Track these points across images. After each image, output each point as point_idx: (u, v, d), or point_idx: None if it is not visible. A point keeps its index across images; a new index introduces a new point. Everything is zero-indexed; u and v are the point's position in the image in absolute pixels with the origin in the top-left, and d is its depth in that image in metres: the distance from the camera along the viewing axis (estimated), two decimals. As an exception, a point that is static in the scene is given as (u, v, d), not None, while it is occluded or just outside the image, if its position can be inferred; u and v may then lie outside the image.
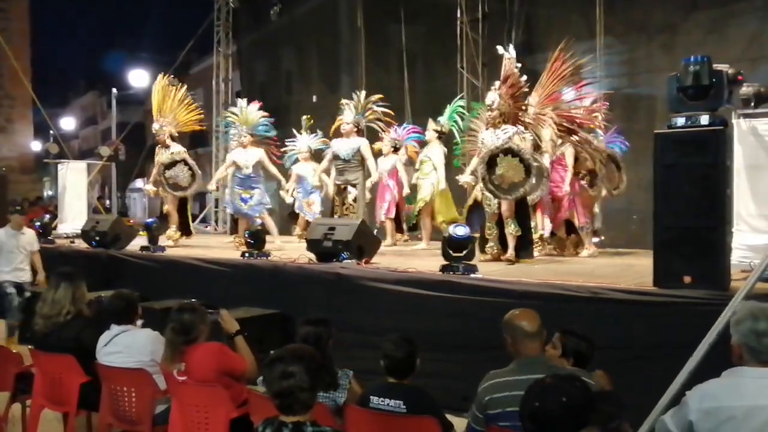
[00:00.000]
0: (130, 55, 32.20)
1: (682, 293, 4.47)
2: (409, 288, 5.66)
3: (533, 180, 6.49)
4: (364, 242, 6.73)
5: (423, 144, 9.08)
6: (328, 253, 6.64)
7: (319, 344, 3.43)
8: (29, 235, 7.80)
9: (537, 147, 7.01)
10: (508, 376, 3.02)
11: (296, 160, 10.13)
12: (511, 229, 6.71)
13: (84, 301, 4.53)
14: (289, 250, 8.02)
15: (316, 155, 9.92)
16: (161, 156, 9.28)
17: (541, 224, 7.81)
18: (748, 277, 3.81)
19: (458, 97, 9.39)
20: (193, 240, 9.78)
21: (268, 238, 8.00)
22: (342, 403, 3.47)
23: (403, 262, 6.60)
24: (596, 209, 7.84)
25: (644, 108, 9.32)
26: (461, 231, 5.87)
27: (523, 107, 6.77)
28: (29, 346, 4.71)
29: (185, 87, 9.82)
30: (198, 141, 19.36)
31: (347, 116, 8.64)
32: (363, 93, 8.98)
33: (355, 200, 8.55)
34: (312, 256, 6.83)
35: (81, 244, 9.31)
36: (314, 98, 13.00)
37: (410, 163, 9.24)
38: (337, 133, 8.93)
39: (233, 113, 9.68)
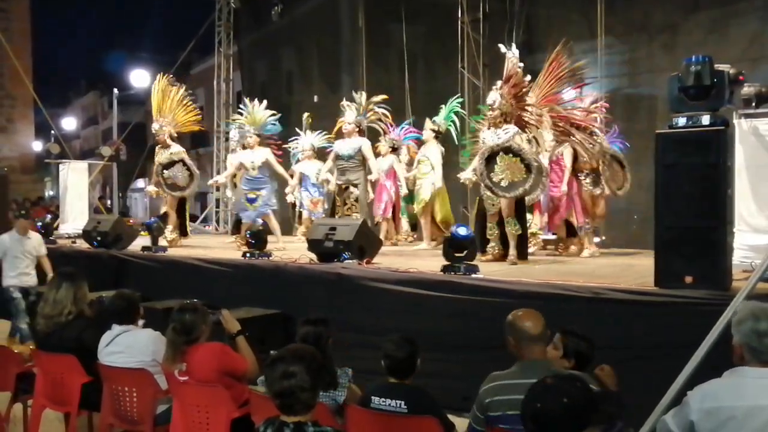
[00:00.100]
0: (131, 55, 32.21)
1: (683, 293, 4.46)
2: (410, 288, 5.65)
3: (533, 179, 6.49)
4: (366, 242, 6.73)
5: (421, 143, 9.09)
6: (329, 253, 6.65)
7: (319, 344, 3.43)
8: (35, 240, 7.71)
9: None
10: (511, 379, 2.98)
11: (299, 159, 10.14)
12: (512, 228, 6.70)
13: (85, 301, 4.53)
14: (290, 250, 8.02)
15: (320, 153, 9.92)
16: (160, 156, 9.29)
17: (540, 224, 7.81)
18: (750, 277, 3.82)
19: (455, 96, 9.39)
20: (194, 240, 9.79)
21: (271, 238, 8.00)
22: (342, 401, 3.47)
23: (404, 262, 6.61)
24: (602, 208, 7.75)
25: (645, 108, 9.32)
26: (463, 231, 5.87)
27: (527, 107, 6.77)
28: (30, 346, 4.71)
29: (184, 87, 9.82)
30: (199, 141, 19.40)
31: (349, 116, 8.64)
32: (364, 93, 8.99)
33: (356, 200, 8.56)
34: (313, 256, 6.84)
35: (82, 245, 9.33)
36: (315, 98, 13.00)
37: (411, 163, 9.26)
38: (340, 134, 8.93)
39: (241, 113, 9.61)
